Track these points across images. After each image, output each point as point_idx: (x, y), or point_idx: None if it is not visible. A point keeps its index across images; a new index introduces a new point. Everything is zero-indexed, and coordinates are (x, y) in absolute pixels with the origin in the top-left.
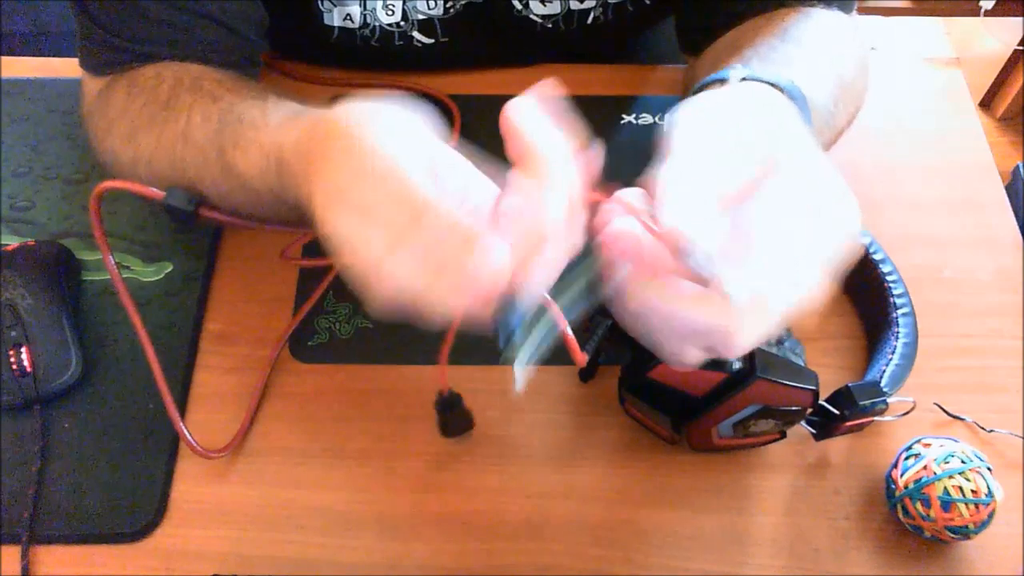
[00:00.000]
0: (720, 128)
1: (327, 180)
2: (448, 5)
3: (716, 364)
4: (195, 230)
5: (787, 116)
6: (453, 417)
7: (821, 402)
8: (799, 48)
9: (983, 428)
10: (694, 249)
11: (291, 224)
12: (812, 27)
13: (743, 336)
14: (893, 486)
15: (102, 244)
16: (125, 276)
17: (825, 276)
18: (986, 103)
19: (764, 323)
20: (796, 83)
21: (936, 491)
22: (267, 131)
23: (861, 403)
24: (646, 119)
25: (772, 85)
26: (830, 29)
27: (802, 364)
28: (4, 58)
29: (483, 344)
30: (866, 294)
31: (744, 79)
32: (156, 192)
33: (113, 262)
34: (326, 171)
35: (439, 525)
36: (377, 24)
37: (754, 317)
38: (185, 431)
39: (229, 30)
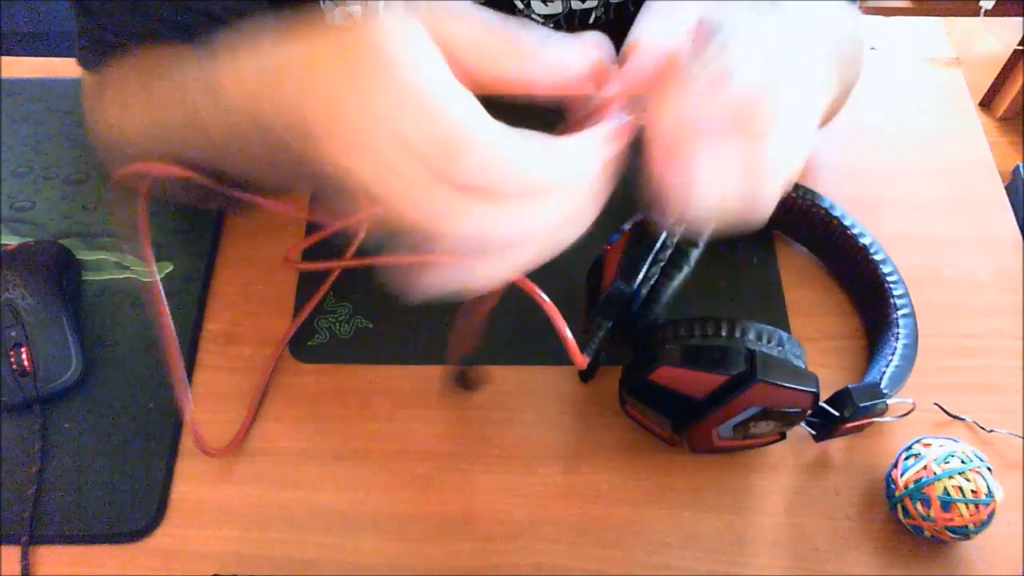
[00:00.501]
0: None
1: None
2: None
3: (717, 366)
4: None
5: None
6: (471, 371)
7: (821, 404)
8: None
9: (983, 428)
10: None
11: (269, 172)
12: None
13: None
14: (893, 486)
15: (143, 237)
16: (125, 276)
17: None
18: (986, 103)
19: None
20: None
21: (936, 491)
22: (265, 43)
23: (861, 405)
24: None
25: None
26: (825, 8)
27: (802, 366)
28: (4, 58)
29: (484, 344)
30: (866, 294)
31: None
32: (176, 170)
33: (151, 252)
34: (356, 87)
35: (439, 525)
36: None
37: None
38: (192, 424)
39: (229, 29)
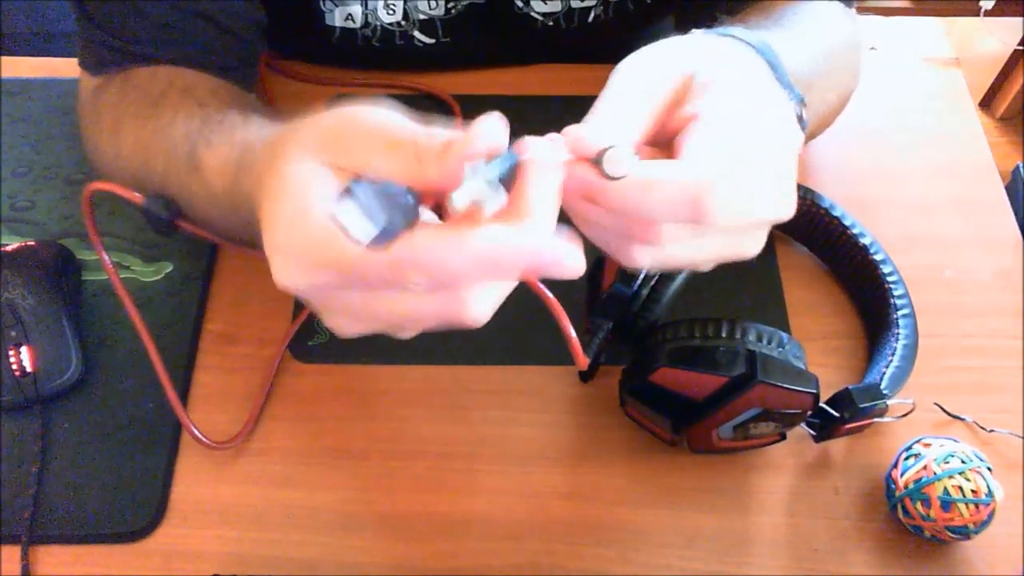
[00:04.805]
0: (654, 59)
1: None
2: (450, 5)
3: (717, 367)
4: (173, 238)
5: (719, 44)
6: None
7: (821, 405)
8: (780, 20)
9: (983, 428)
10: (610, 155)
11: (249, 247)
12: (801, 8)
13: (716, 200)
14: (893, 486)
15: (96, 242)
16: (125, 276)
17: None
18: (986, 103)
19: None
20: (763, 38)
21: (936, 491)
22: (242, 130)
23: (861, 406)
24: None
25: (733, 39)
26: (820, 11)
27: (802, 367)
28: (4, 58)
29: (484, 344)
30: (866, 294)
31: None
32: (136, 196)
33: (108, 260)
34: (300, 134)
35: (439, 525)
36: (378, 24)
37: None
38: (189, 422)
39: (226, 31)
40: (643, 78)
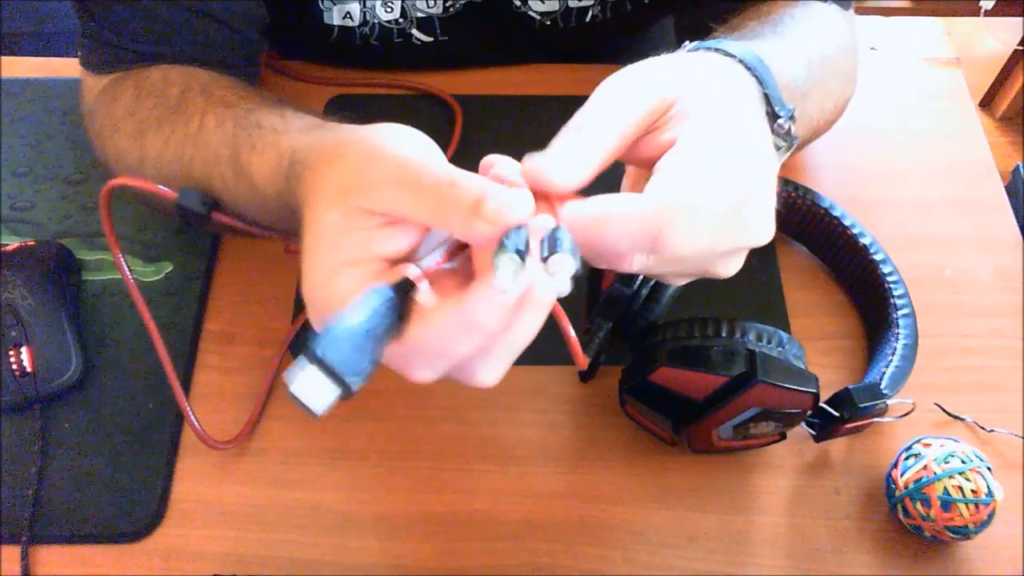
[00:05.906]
0: (633, 80)
1: (330, 176)
2: (448, 4)
3: (717, 367)
4: (204, 233)
5: (706, 64)
6: None
7: (821, 404)
8: (777, 26)
9: (983, 428)
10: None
11: (294, 236)
12: (798, 12)
13: (677, 235)
14: (893, 486)
15: (111, 241)
16: None
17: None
18: (986, 103)
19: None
20: (754, 51)
21: (936, 491)
22: (287, 136)
23: (861, 406)
24: None
25: (723, 53)
26: (817, 14)
27: (802, 366)
28: (4, 58)
29: None
30: (866, 294)
31: (693, 50)
32: (168, 192)
33: (123, 260)
34: (331, 168)
35: (439, 525)
36: (376, 22)
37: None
38: (193, 418)
39: (229, 29)
40: (619, 101)
